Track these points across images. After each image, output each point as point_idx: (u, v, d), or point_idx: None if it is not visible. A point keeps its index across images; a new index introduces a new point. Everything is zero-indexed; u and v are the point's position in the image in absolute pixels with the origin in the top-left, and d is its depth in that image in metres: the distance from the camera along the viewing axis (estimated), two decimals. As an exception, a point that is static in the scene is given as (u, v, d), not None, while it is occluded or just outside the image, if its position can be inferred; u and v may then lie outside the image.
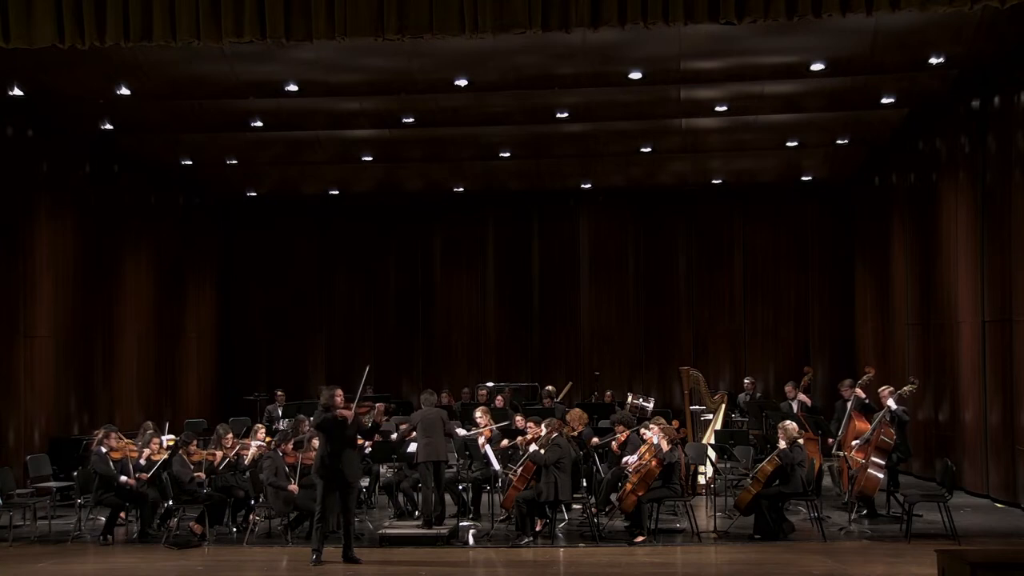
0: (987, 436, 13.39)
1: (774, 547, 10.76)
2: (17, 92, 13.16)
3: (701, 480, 13.87)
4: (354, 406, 10.29)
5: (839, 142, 17.09)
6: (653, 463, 11.00)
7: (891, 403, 11.82)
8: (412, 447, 11.94)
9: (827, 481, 13.70)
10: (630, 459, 11.38)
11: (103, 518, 11.79)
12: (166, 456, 11.70)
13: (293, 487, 11.09)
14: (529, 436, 11.71)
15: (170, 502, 11.61)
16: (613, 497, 11.53)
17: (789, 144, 17.27)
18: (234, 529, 11.80)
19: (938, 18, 11.20)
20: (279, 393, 16.89)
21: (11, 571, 10.20)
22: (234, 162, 18.03)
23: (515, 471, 11.31)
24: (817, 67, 12.96)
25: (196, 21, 9.45)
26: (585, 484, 12.11)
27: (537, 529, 11.15)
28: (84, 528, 12.04)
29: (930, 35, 11.98)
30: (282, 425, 14.82)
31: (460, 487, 12.54)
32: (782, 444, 11.20)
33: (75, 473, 12.48)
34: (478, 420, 12.61)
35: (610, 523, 11.77)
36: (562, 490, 10.92)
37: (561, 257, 21.19)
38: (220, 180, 19.71)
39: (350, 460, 10.27)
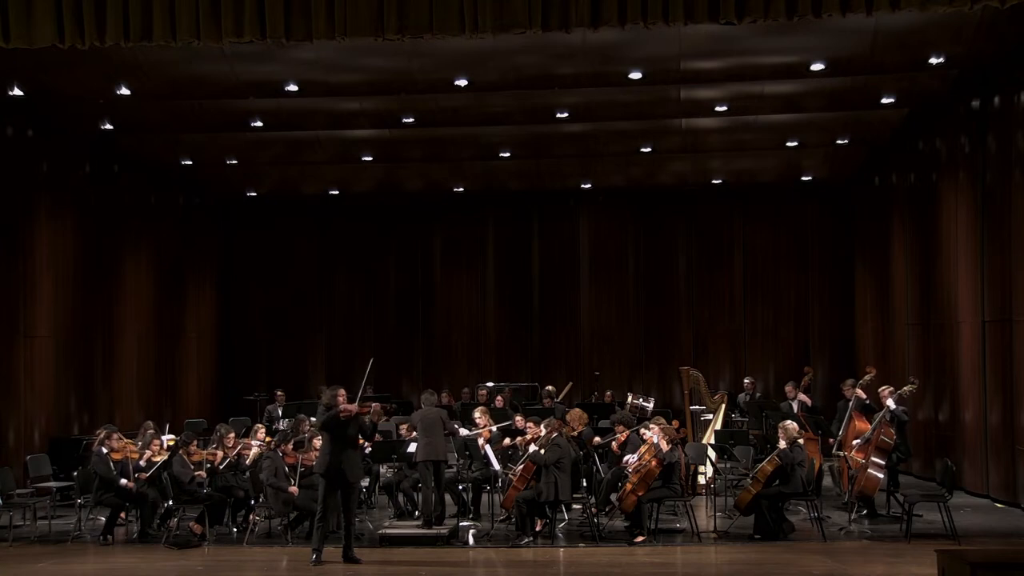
0: (987, 436, 13.40)
1: (774, 547, 10.76)
2: (17, 92, 13.16)
3: (701, 480, 13.87)
4: (357, 402, 10.29)
5: (839, 142, 17.09)
6: (653, 463, 11.00)
7: (890, 403, 11.82)
8: (412, 447, 11.95)
9: (827, 481, 13.70)
10: (631, 458, 11.38)
11: (103, 518, 11.79)
12: (166, 456, 11.70)
13: (293, 488, 11.09)
14: (528, 436, 11.72)
15: (170, 502, 11.61)
16: (613, 497, 11.52)
17: (789, 144, 17.27)
18: (234, 529, 11.80)
19: (938, 18, 11.20)
20: (279, 393, 16.89)
21: (11, 571, 10.19)
22: (234, 162, 18.04)
23: (515, 471, 11.31)
24: (817, 67, 12.96)
25: (196, 21, 9.45)
26: (585, 484, 12.11)
27: (537, 529, 11.15)
28: (84, 528, 12.04)
29: (930, 35, 11.98)
30: (282, 425, 14.83)
31: (460, 487, 12.53)
32: (782, 444, 11.19)
33: (75, 473, 12.48)
34: (477, 420, 12.61)
35: (610, 523, 11.77)
36: (562, 490, 10.92)
37: (561, 257, 21.19)
38: (220, 180, 19.71)
39: (352, 460, 10.28)
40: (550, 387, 16.60)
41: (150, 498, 11.56)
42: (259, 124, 15.38)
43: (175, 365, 19.32)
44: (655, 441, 11.16)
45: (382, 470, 13.12)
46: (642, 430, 11.68)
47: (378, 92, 14.17)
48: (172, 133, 16.37)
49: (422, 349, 21.38)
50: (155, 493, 11.61)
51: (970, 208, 13.90)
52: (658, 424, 11.56)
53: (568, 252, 21.16)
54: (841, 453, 12.34)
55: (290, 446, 11.63)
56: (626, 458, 11.50)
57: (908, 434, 12.75)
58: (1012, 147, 12.57)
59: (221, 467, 11.67)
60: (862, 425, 12.06)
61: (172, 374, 19.19)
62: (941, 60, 12.62)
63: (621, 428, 12.12)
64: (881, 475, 11.57)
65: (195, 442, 11.91)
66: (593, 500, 11.59)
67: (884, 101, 14.46)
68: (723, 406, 14.76)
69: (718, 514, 11.85)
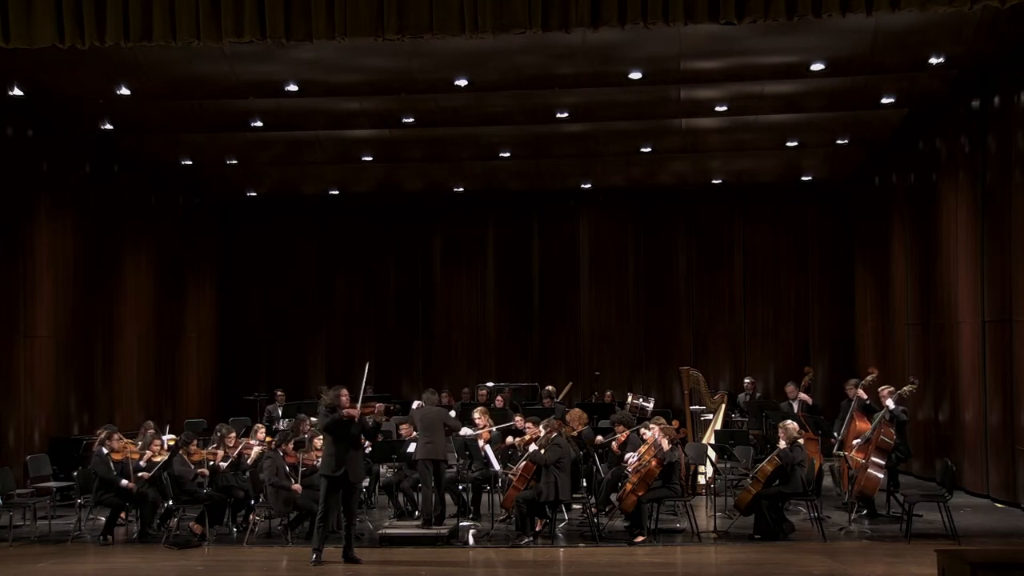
0: (987, 436, 13.39)
1: (774, 547, 10.75)
2: (17, 92, 13.16)
3: (701, 480, 13.87)
4: (359, 405, 10.29)
5: (839, 142, 17.09)
6: (653, 463, 11.00)
7: (890, 403, 11.81)
8: (412, 447, 11.95)
9: (828, 481, 13.69)
10: (632, 456, 11.38)
11: (103, 518, 11.79)
12: (167, 456, 11.70)
13: (296, 486, 11.10)
14: (528, 437, 11.72)
15: (170, 502, 11.61)
16: (613, 497, 11.52)
17: (789, 144, 17.27)
18: (234, 529, 11.80)
19: (938, 18, 11.20)
20: (279, 393, 16.90)
21: (11, 571, 10.19)
22: (234, 162, 18.04)
23: (515, 471, 11.31)
24: (817, 67, 12.96)
25: (196, 21, 9.45)
26: (585, 484, 12.11)
27: (537, 529, 11.15)
28: (84, 528, 12.04)
29: (930, 35, 11.98)
30: (282, 425, 14.83)
31: (460, 487, 12.53)
32: (782, 444, 11.19)
33: (75, 473, 12.48)
34: (476, 421, 12.60)
35: (610, 523, 11.77)
36: (562, 490, 10.92)
37: (561, 257, 21.20)
38: (220, 180, 19.71)
39: (354, 460, 10.28)
40: (550, 387, 16.61)
41: (150, 498, 11.56)
42: (259, 124, 15.38)
43: (175, 365, 19.32)
44: (655, 441, 11.15)
45: (382, 470, 13.12)
46: (642, 430, 11.68)
47: (378, 92, 14.17)
48: (172, 133, 16.37)
49: (422, 349, 21.38)
50: (155, 493, 11.61)
51: (970, 208, 13.90)
52: (658, 424, 11.56)
53: (568, 252, 21.16)
54: (842, 453, 12.34)
55: (291, 446, 11.63)
56: (627, 455, 11.50)
57: (908, 434, 12.75)
58: (1012, 147, 12.57)
59: (224, 465, 11.68)
60: (863, 425, 12.06)
61: (172, 374, 19.19)
62: (941, 60, 12.62)
63: (621, 428, 12.12)
64: (881, 475, 11.57)
65: (195, 442, 11.91)
66: (593, 500, 11.59)
67: (884, 101, 14.46)
68: (723, 406, 14.75)
69: (718, 514, 11.85)
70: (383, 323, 21.43)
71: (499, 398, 15.36)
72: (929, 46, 12.30)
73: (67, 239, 15.65)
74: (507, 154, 17.88)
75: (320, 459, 11.05)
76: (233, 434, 12.30)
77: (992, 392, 13.24)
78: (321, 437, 11.13)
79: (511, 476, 11.37)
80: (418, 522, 11.50)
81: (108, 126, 15.24)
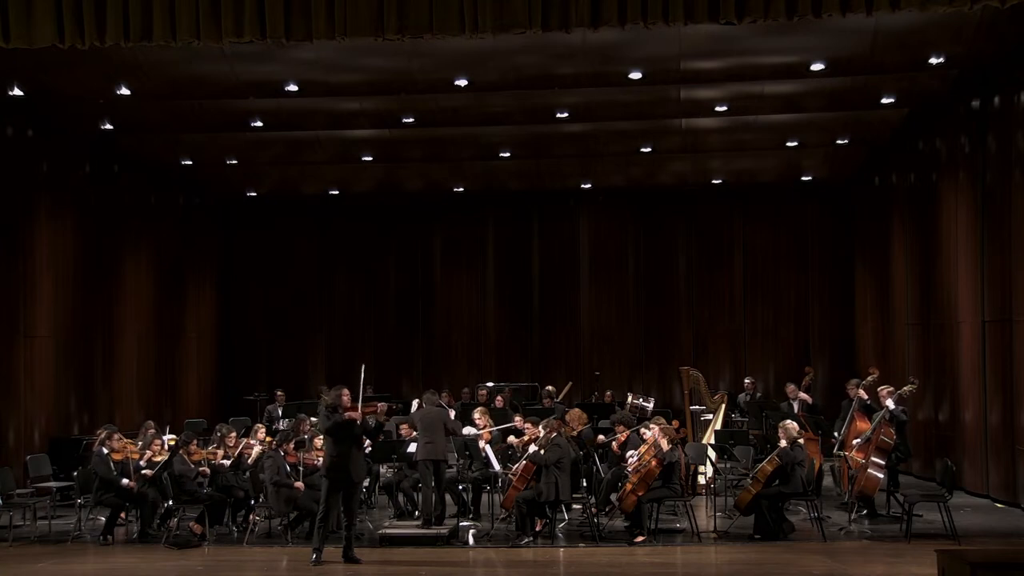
0: (987, 436, 13.39)
1: (774, 547, 10.75)
2: (17, 92, 13.16)
3: (701, 480, 13.87)
4: (360, 406, 10.30)
5: (839, 142, 17.09)
6: (653, 463, 11.00)
7: (890, 403, 11.81)
8: (412, 447, 11.95)
9: (828, 481, 13.70)
10: (633, 454, 11.39)
11: (103, 518, 11.79)
12: (167, 456, 11.70)
13: (299, 484, 11.12)
14: (527, 437, 11.72)
15: (170, 502, 11.61)
16: (613, 497, 11.52)
17: (789, 144, 17.27)
18: (234, 529, 11.80)
19: (938, 18, 11.20)
20: (279, 393, 16.90)
21: (11, 571, 10.19)
22: (234, 162, 18.04)
23: (515, 471, 11.31)
24: (817, 67, 12.96)
25: (196, 21, 9.45)
26: (585, 484, 12.11)
27: (537, 529, 11.15)
28: (84, 528, 12.04)
29: (930, 35, 11.97)
30: (282, 425, 14.84)
31: (460, 487, 12.53)
32: (783, 443, 11.19)
33: (75, 473, 12.48)
34: (476, 421, 12.60)
35: (610, 523, 11.77)
36: (562, 490, 10.92)
37: (561, 257, 21.20)
38: (220, 180, 19.71)
39: (356, 459, 10.29)
40: (550, 387, 16.62)
41: (150, 498, 11.57)
42: (259, 124, 15.38)
43: (175, 365, 19.32)
44: (655, 441, 11.15)
45: (382, 470, 13.12)
46: (642, 430, 11.68)
47: (378, 92, 14.17)
48: (172, 133, 16.37)
49: (422, 349, 21.38)
50: (155, 493, 11.61)
51: (970, 208, 13.90)
52: (658, 424, 11.56)
53: (568, 252, 21.16)
54: (842, 453, 12.34)
55: (291, 445, 11.64)
56: (629, 453, 11.51)
57: (908, 434, 12.75)
58: (1012, 147, 12.57)
59: (227, 463, 11.69)
60: (863, 425, 12.06)
61: (172, 374, 19.20)
62: (941, 60, 12.62)
63: (621, 428, 12.12)
64: (881, 475, 11.57)
65: (195, 442, 11.91)
66: (593, 500, 11.59)
67: (884, 101, 14.46)
68: (723, 406, 14.76)
69: (718, 514, 11.85)
70: (383, 323, 21.43)
71: (499, 398, 15.36)
72: (929, 46, 12.30)
73: (67, 239, 15.65)
74: (507, 154, 17.87)
75: (320, 459, 11.07)
76: (233, 434, 12.30)
77: (992, 392, 13.24)
78: (321, 437, 11.13)
79: (511, 476, 11.37)
80: (418, 522, 11.50)
81: (108, 126, 15.24)
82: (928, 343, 15.63)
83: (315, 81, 13.55)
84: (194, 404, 19.70)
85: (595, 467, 11.94)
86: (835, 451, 12.79)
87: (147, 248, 18.30)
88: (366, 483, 12.32)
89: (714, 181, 19.81)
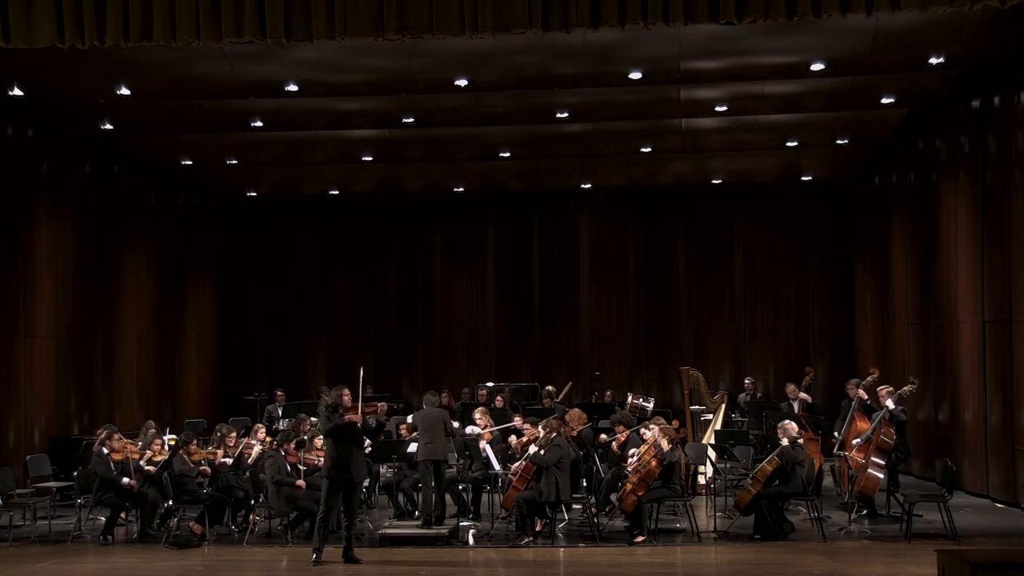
0: (987, 436, 13.39)
1: (774, 547, 10.76)
2: (17, 92, 13.16)
3: (701, 480, 13.87)
4: (360, 406, 10.30)
5: (839, 142, 17.09)
6: (653, 463, 11.00)
7: (889, 403, 11.81)
8: (412, 447, 11.96)
9: (828, 481, 13.69)
10: (635, 451, 11.39)
11: (103, 518, 11.79)
12: (167, 456, 11.70)
13: (301, 482, 11.13)
14: (526, 438, 11.71)
15: (170, 502, 11.61)
16: (613, 497, 11.52)
17: (789, 144, 17.27)
18: (234, 529, 11.80)
19: (938, 18, 11.20)
20: (279, 393, 16.91)
21: (11, 571, 10.20)
22: (234, 162, 18.04)
23: (514, 471, 11.31)
24: (817, 67, 12.96)
25: (196, 21, 9.45)
26: (585, 484, 12.11)
27: (537, 529, 11.15)
28: (84, 528, 12.04)
29: (930, 35, 11.97)
30: (282, 425, 14.84)
31: (460, 487, 12.54)
32: (784, 443, 11.18)
33: (75, 473, 12.48)
34: (477, 421, 12.60)
35: (610, 523, 11.77)
36: (562, 490, 10.92)
37: (561, 257, 21.20)
38: (220, 180, 19.71)
39: (358, 460, 10.30)
40: (550, 387, 16.62)
41: (150, 498, 11.57)
42: (259, 124, 15.38)
43: (175, 365, 19.32)
44: (655, 441, 11.15)
45: (382, 470, 13.12)
46: (642, 430, 11.68)
47: (378, 92, 14.17)
48: (172, 133, 16.37)
49: (422, 349, 21.38)
50: (155, 493, 11.61)
51: (970, 208, 13.90)
52: (658, 424, 11.56)
53: (568, 252, 21.16)
54: (842, 453, 12.34)
55: (292, 445, 11.65)
56: (630, 451, 11.51)
57: (908, 434, 12.75)
58: (1012, 147, 12.57)
59: (230, 462, 11.69)
60: (864, 425, 12.06)
61: (172, 374, 19.19)
62: (941, 60, 12.62)
63: (621, 428, 12.12)
64: (881, 475, 11.57)
65: (195, 442, 11.92)
66: (593, 500, 11.59)
67: (884, 101, 14.46)
68: (723, 406, 14.76)
69: (718, 514, 11.85)
70: (383, 323, 21.43)
71: (499, 398, 15.36)
72: (929, 46, 12.30)
73: (67, 239, 15.65)
74: (507, 154, 17.87)
75: (321, 458, 11.07)
76: (233, 434, 12.31)
77: (992, 392, 13.23)
78: (322, 437, 11.13)
79: (511, 476, 11.37)
80: (418, 522, 11.50)
81: (108, 126, 15.23)
82: (928, 343, 15.62)
83: (315, 81, 13.55)
84: (194, 404, 19.69)
85: (595, 467, 11.95)
86: (835, 451, 12.79)
87: (147, 248, 18.30)
88: (366, 483, 12.33)
89: (714, 181, 19.81)
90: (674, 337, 20.79)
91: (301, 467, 11.53)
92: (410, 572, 9.93)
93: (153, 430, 12.44)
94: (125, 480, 11.42)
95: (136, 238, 17.92)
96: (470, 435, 12.48)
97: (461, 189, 20.36)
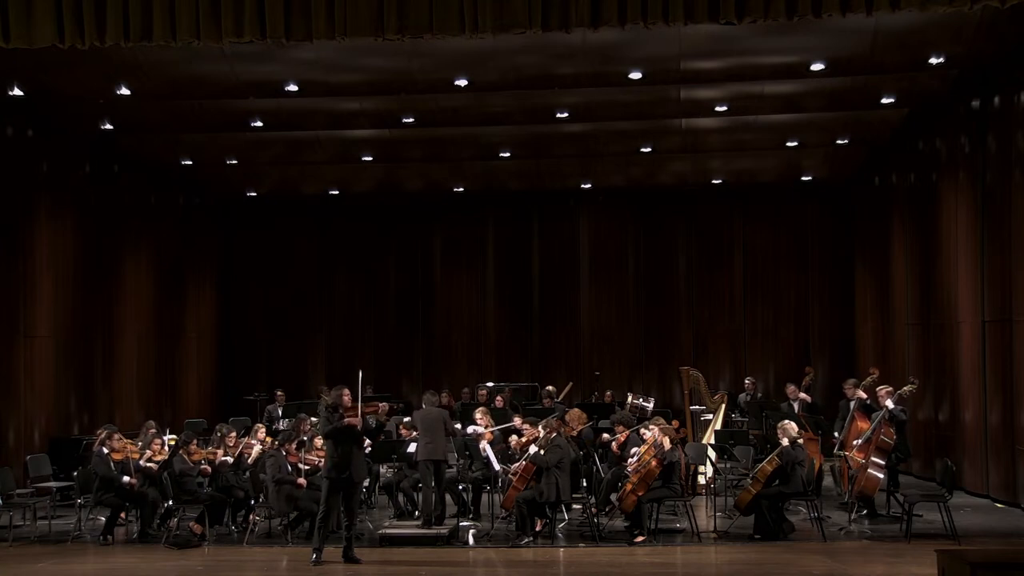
0: (987, 436, 13.39)
1: (774, 547, 10.76)
2: (17, 92, 13.16)
3: (701, 480, 13.87)
4: (360, 407, 10.29)
5: (839, 142, 17.09)
6: (653, 463, 11.00)
7: (889, 403, 11.81)
8: (412, 447, 11.95)
9: (828, 481, 13.69)
10: (635, 450, 11.39)
11: (103, 518, 11.80)
12: (167, 456, 11.70)
13: (302, 480, 11.13)
14: (525, 438, 11.71)
15: (170, 502, 11.61)
16: (613, 497, 11.52)
17: (789, 144, 17.27)
18: (234, 529, 11.80)
19: (938, 18, 11.20)
20: (279, 393, 16.91)
21: (11, 571, 10.20)
22: (234, 162, 18.03)
23: (514, 471, 11.31)
24: (817, 67, 12.96)
25: (196, 21, 9.45)
26: (585, 484, 12.11)
27: (537, 529, 11.15)
28: (84, 528, 12.05)
29: (930, 35, 11.97)
30: (282, 425, 14.84)
31: (460, 487, 12.53)
32: (784, 443, 11.18)
33: (75, 473, 12.48)
34: (478, 421, 12.60)
35: (610, 523, 11.77)
36: (563, 490, 10.92)
37: (561, 257, 21.20)
38: (220, 180, 19.71)
39: (358, 460, 10.30)
40: (550, 387, 16.61)
41: (150, 498, 11.57)
42: (259, 124, 15.38)
43: (175, 365, 19.32)
44: (655, 440, 11.15)
45: (382, 470, 13.12)
46: (642, 430, 11.68)
47: (378, 92, 14.17)
48: (172, 133, 16.37)
49: (422, 349, 21.38)
50: (155, 493, 11.62)
51: (970, 208, 13.90)
52: (658, 424, 11.56)
53: (568, 252, 21.16)
54: (842, 453, 12.34)
55: (293, 445, 11.65)
56: (632, 451, 11.51)
57: (908, 434, 12.75)
58: (1012, 147, 12.57)
59: (230, 461, 11.69)
60: (864, 425, 12.06)
61: (172, 374, 19.19)
62: (941, 60, 12.62)
63: (621, 428, 12.12)
64: (881, 475, 11.57)
65: (195, 442, 11.92)
66: (593, 500, 11.59)
67: (884, 101, 14.46)
68: (723, 406, 14.76)
69: (718, 514, 11.86)
70: (383, 323, 21.43)
71: (499, 398, 15.36)
72: (929, 46, 12.30)
73: (67, 239, 15.65)
74: (507, 154, 17.87)
75: (321, 458, 11.07)
76: (233, 434, 12.31)
77: (992, 392, 13.24)
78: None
79: (511, 476, 11.37)
80: (418, 522, 11.50)
81: (108, 126, 15.23)
82: (928, 343, 15.62)
83: (315, 81, 13.55)
84: (194, 404, 19.69)
85: (595, 467, 11.95)
86: (835, 451, 12.79)
87: (147, 248, 18.29)
88: (366, 483, 12.33)
89: (714, 181, 19.81)
90: (674, 337, 20.79)
91: (302, 466, 11.54)
92: (410, 572, 9.93)
93: (153, 430, 12.45)
94: (126, 478, 11.42)
95: (136, 238, 17.91)
96: (471, 435, 12.48)
97: (461, 189, 20.36)
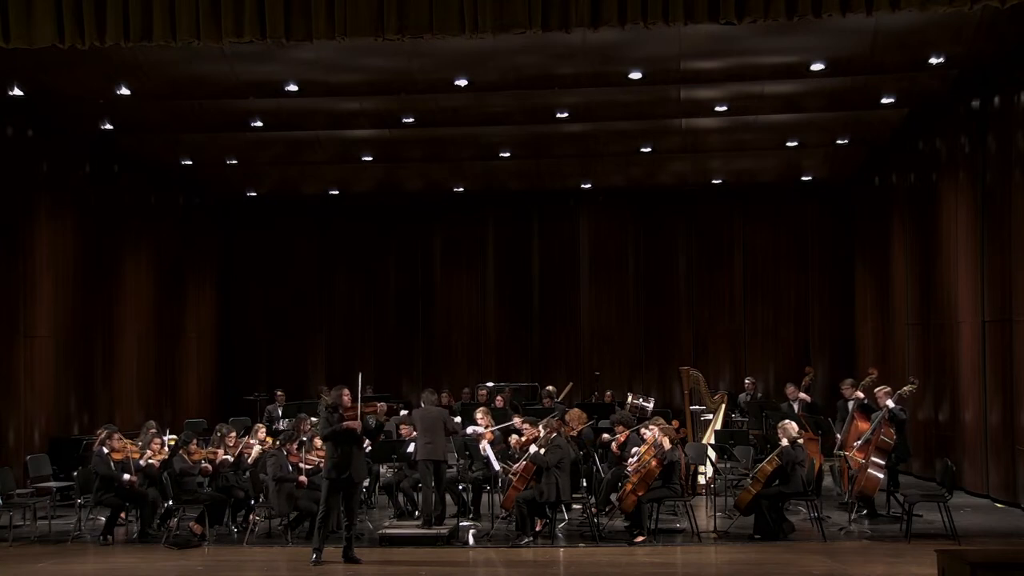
0: (987, 436, 13.39)
1: (774, 547, 10.76)
2: (17, 92, 13.16)
3: (701, 480, 13.87)
4: (359, 408, 10.29)
5: (839, 142, 17.09)
6: (653, 463, 11.00)
7: (889, 403, 11.81)
8: (412, 447, 11.95)
9: (828, 481, 13.69)
10: (636, 450, 11.39)
11: (103, 518, 11.79)
12: (167, 456, 11.70)
13: (303, 478, 11.14)
14: (525, 438, 11.71)
15: (170, 502, 11.61)
16: (613, 497, 11.52)
17: (789, 144, 17.27)
18: (234, 529, 11.81)
19: (938, 18, 11.20)
20: (279, 393, 16.91)
21: (11, 571, 10.20)
22: (234, 162, 18.03)
23: (515, 471, 11.31)
24: (817, 67, 12.96)
25: (196, 21, 9.45)
26: (585, 484, 12.11)
27: (537, 529, 11.15)
28: (84, 528, 12.05)
29: (930, 35, 11.98)
30: (282, 425, 14.84)
31: (460, 487, 12.53)
32: (784, 443, 11.18)
33: (75, 473, 12.48)
34: (479, 421, 12.60)
35: (610, 523, 11.77)
36: (563, 490, 10.92)
37: (561, 257, 21.20)
38: (220, 180, 19.71)
39: (358, 460, 10.30)
40: (550, 387, 16.61)
41: (150, 498, 11.57)
42: (259, 124, 15.38)
43: (175, 365, 19.32)
44: (655, 440, 11.15)
45: (382, 470, 13.12)
46: (642, 430, 11.68)
47: (378, 92, 14.17)
48: (172, 133, 16.37)
49: (422, 349, 21.38)
50: (155, 493, 11.62)
51: (970, 208, 13.90)
52: (658, 424, 11.56)
53: (568, 252, 21.16)
54: (842, 453, 12.34)
55: (294, 445, 11.65)
56: (633, 450, 11.51)
57: (908, 434, 12.76)
58: (1012, 147, 12.57)
59: (231, 459, 11.69)
60: (864, 425, 12.06)
61: (172, 374, 19.19)
62: (941, 60, 12.62)
63: (621, 428, 12.12)
64: (881, 475, 11.57)
65: (195, 442, 11.92)
66: (593, 500, 11.59)
67: (884, 101, 14.46)
68: (723, 406, 14.76)
69: (718, 514, 11.86)
70: (383, 323, 21.43)
71: (499, 398, 15.36)
72: (929, 46, 12.30)
73: (67, 239, 15.65)
74: (507, 154, 17.87)
75: (321, 458, 11.07)
76: (233, 434, 12.31)
77: (992, 392, 13.24)
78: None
79: (511, 476, 11.37)
80: (418, 522, 11.50)
81: (108, 126, 15.23)
82: (928, 343, 15.63)
83: (315, 81, 13.55)
84: (194, 404, 19.69)
85: (595, 467, 11.95)
86: (835, 451, 12.79)
87: (147, 248, 18.30)
88: (366, 483, 12.33)
89: (714, 181, 19.81)
90: (674, 337, 20.79)
91: (303, 466, 11.54)
92: (410, 572, 9.93)
93: (153, 430, 12.44)
94: (126, 476, 11.42)
95: (136, 238, 17.91)
96: (471, 435, 12.48)
97: (461, 189, 20.36)
